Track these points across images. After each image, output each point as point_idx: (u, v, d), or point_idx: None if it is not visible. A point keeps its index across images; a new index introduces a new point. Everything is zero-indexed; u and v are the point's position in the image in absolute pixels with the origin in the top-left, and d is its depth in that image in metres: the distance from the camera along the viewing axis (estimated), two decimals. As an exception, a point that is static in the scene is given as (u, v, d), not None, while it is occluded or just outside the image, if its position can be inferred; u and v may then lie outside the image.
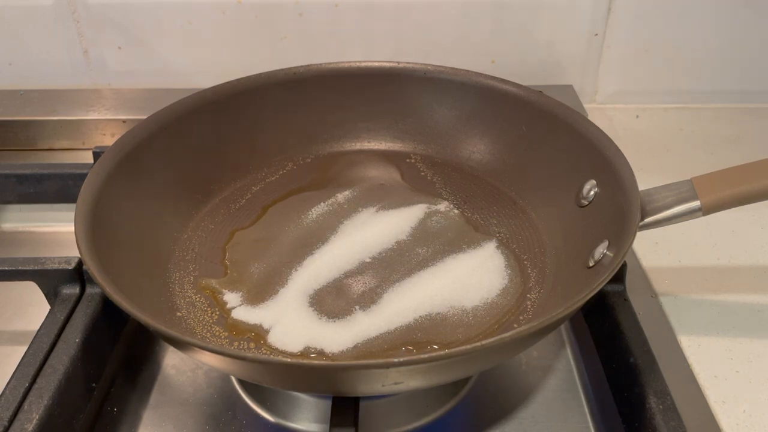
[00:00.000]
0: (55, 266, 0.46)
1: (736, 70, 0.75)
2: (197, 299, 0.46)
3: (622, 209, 0.42)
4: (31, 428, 0.37)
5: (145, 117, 0.52)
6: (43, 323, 0.44)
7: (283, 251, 0.50)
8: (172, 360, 0.48)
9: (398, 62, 0.60)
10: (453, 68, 0.58)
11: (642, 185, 0.43)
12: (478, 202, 0.55)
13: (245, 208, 0.55)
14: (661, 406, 0.38)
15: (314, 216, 0.54)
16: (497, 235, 0.51)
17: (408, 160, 0.60)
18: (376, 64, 0.60)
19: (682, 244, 0.56)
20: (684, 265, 0.54)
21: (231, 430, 0.43)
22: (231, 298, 0.47)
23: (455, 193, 0.56)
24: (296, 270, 0.49)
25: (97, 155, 0.56)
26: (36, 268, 0.46)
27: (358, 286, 0.47)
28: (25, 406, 0.38)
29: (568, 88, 0.74)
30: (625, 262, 0.42)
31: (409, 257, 0.49)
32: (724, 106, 0.76)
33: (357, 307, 0.45)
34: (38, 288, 0.46)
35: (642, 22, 0.72)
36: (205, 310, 0.45)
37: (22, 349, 0.42)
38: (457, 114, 0.59)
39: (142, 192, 0.49)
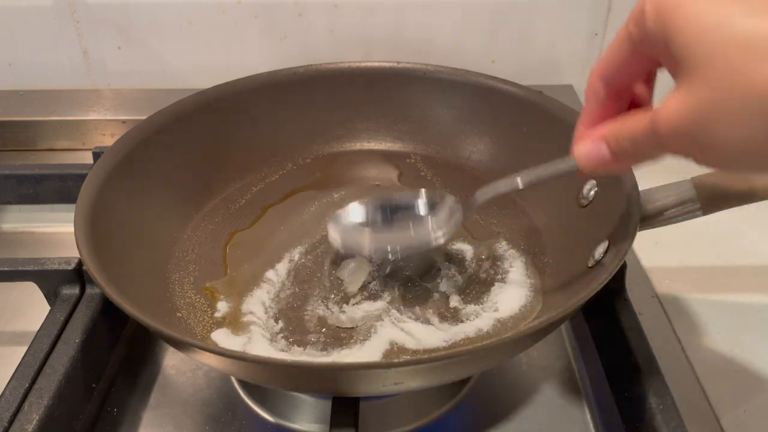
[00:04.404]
0: (55, 266, 0.45)
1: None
2: (197, 300, 0.46)
3: (622, 209, 0.42)
4: (31, 428, 0.37)
5: (145, 117, 0.52)
6: (43, 324, 0.44)
7: (282, 253, 0.50)
8: (172, 360, 0.48)
9: (398, 62, 0.60)
10: (453, 68, 0.58)
11: (642, 185, 0.43)
12: (478, 202, 0.55)
13: (245, 208, 0.55)
14: (661, 406, 0.38)
15: (314, 217, 0.54)
16: (497, 235, 0.51)
17: (408, 160, 0.60)
18: (376, 64, 0.60)
19: (682, 244, 0.56)
20: (684, 265, 0.54)
21: (231, 431, 0.43)
22: (222, 306, 0.46)
23: (455, 193, 0.56)
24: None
25: (97, 155, 0.56)
26: (36, 268, 0.46)
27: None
28: (25, 406, 0.38)
29: (568, 88, 0.74)
30: (625, 262, 0.42)
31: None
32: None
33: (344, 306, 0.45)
34: (38, 288, 0.46)
35: (642, 21, 0.72)
36: (205, 311, 0.45)
37: (22, 350, 0.42)
38: (457, 114, 0.59)
39: (142, 192, 0.49)
